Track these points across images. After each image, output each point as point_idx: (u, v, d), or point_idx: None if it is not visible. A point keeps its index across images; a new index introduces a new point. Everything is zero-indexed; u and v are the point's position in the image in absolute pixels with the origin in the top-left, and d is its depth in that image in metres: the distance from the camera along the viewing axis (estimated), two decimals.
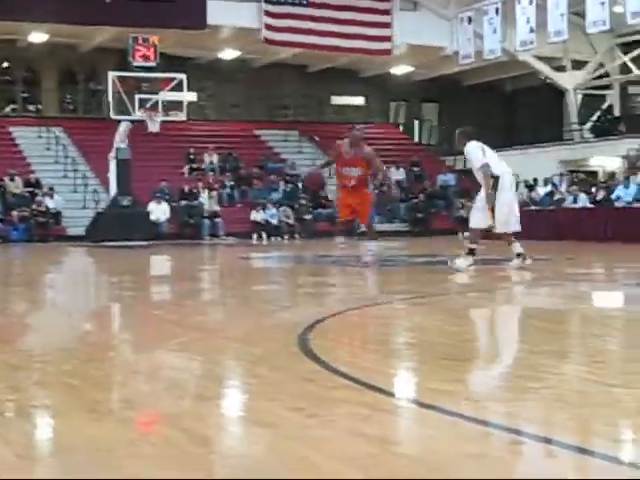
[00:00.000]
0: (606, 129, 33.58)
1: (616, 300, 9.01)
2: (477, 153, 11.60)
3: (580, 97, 35.95)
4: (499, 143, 36.70)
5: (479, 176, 11.57)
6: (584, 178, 30.18)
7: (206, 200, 30.39)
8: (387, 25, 35.28)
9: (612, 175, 30.36)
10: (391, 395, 3.94)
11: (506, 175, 11.72)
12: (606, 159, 32.41)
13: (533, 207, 28.35)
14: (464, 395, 3.81)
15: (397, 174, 34.55)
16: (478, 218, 11.69)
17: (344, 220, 13.63)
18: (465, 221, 27.92)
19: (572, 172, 31.43)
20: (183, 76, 26.96)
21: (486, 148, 11.80)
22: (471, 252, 11.54)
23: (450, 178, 34.63)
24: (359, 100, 41.07)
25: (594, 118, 35.36)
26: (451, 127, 39.64)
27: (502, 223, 11.64)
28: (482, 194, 11.61)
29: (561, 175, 30.49)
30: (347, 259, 13.71)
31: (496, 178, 11.45)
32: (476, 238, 11.69)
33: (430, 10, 35.86)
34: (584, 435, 3.15)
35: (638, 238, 19.35)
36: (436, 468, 2.72)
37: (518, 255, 11.71)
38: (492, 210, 11.46)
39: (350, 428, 3.20)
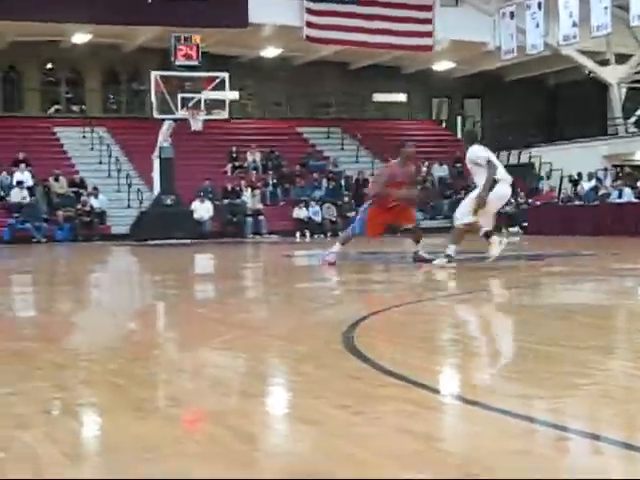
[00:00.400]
0: None
1: None
2: (485, 152, 11.61)
3: (624, 91, 35.64)
4: (542, 138, 36.72)
5: (480, 177, 11.52)
6: (630, 172, 29.92)
7: (249, 198, 30.48)
8: (429, 21, 35.19)
9: None
10: (437, 392, 3.92)
11: (503, 183, 11.69)
12: None
13: (577, 202, 28.20)
14: (509, 392, 3.79)
15: (439, 170, 34.46)
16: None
17: (373, 236, 13.54)
18: (510, 217, 27.76)
19: (616, 167, 31.18)
20: (225, 75, 27.09)
21: (491, 153, 11.83)
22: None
23: None
24: (401, 97, 41.00)
25: (638, 112, 35.04)
26: (494, 123, 39.71)
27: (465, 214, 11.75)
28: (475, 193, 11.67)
29: (605, 170, 30.26)
30: (391, 256, 13.67)
31: (495, 182, 11.44)
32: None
33: (472, 5, 35.74)
34: (631, 431, 3.12)
35: None
36: (481, 465, 2.71)
37: (447, 256, 11.75)
38: (476, 210, 11.55)
39: (396, 425, 3.20)
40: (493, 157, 11.86)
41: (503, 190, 11.59)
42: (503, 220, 30.45)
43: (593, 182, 29.14)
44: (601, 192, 27.42)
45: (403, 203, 12.65)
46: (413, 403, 3.53)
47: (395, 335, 5.76)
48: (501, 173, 11.66)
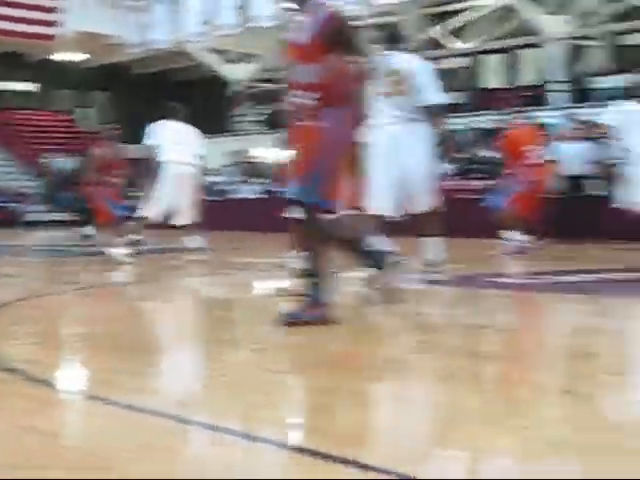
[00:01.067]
0: (273, 122, 34.40)
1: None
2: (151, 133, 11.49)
3: (247, 90, 36.62)
4: None
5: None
6: (249, 169, 30.76)
7: None
8: (52, 10, 34.34)
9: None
10: (61, 388, 3.87)
11: (171, 164, 11.54)
12: (267, 151, 33.21)
13: (207, 197, 28.66)
14: (132, 386, 3.81)
15: (67, 163, 33.84)
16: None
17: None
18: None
19: (239, 163, 31.97)
20: None
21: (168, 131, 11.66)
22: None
23: None
24: (28, 86, 39.84)
25: (264, 112, 36.13)
26: (121, 115, 39.43)
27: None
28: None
29: (229, 166, 30.98)
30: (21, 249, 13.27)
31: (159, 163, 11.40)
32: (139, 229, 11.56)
33: None
34: (251, 422, 3.22)
35: None
36: (106, 459, 2.71)
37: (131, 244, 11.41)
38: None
39: (20, 423, 3.12)
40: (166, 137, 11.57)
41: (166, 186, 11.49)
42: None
43: (219, 178, 29.75)
44: (224, 188, 28.05)
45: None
46: (36, 400, 3.47)
47: (18, 330, 5.61)
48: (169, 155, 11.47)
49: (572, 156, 15.82)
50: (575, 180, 16.07)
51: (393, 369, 4.14)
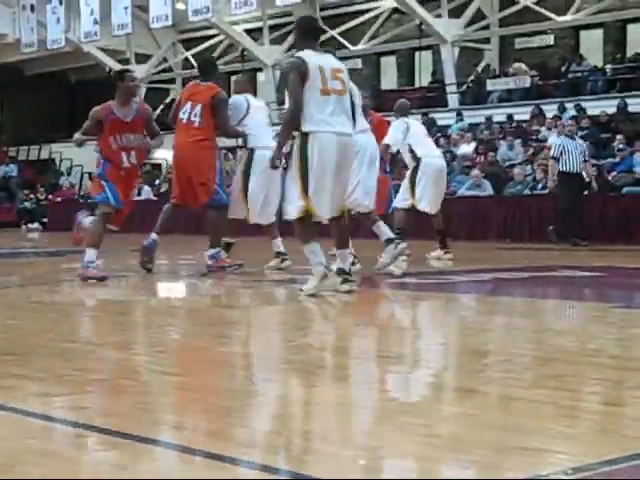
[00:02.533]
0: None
1: (178, 291, 9.24)
2: None
3: (144, 90, 36.37)
4: (64, 134, 36.46)
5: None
6: (149, 170, 30.56)
7: None
8: None
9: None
10: None
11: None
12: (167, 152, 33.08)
13: None
14: (28, 390, 3.75)
15: None
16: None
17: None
18: (30, 213, 27.12)
19: None
20: None
21: None
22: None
23: (12, 169, 33.84)
24: None
25: (157, 111, 35.90)
26: (14, 117, 38.81)
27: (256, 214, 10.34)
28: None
29: None
30: None
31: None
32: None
33: None
34: (147, 425, 3.20)
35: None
36: (2, 468, 2.65)
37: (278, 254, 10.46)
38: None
39: None
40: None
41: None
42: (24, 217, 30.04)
43: None
44: None
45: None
46: None
47: None
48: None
49: None
50: None
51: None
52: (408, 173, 11.71)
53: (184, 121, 9.86)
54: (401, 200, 11.60)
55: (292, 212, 7.38)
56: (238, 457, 2.71)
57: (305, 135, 7.28)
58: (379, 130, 10.34)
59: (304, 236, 7.36)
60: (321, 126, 7.26)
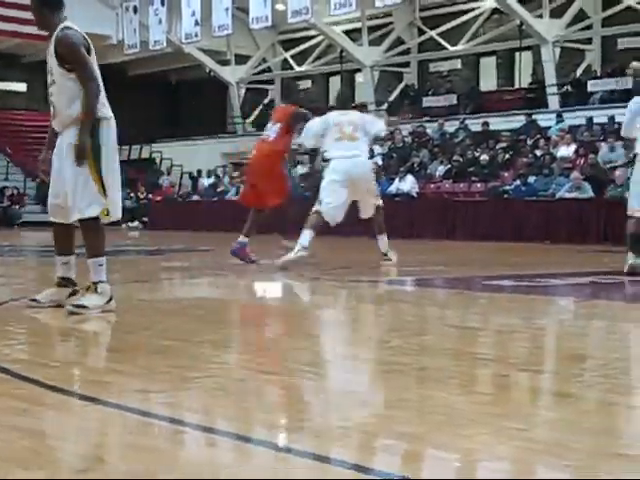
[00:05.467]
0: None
1: (275, 291, 9.30)
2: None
3: (244, 91, 36.68)
4: (164, 134, 37.00)
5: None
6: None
7: None
8: None
9: None
10: (51, 388, 3.86)
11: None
12: None
13: (196, 198, 28.70)
14: (128, 387, 3.81)
15: None
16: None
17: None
18: (130, 212, 27.52)
19: (235, 164, 32.02)
20: None
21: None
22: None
23: None
24: (20, 87, 39.79)
25: (256, 112, 36.19)
26: (116, 117, 39.39)
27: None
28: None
29: (224, 167, 31.00)
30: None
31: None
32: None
33: None
34: (244, 424, 3.23)
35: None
36: (101, 461, 2.70)
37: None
38: None
39: (7, 422, 3.12)
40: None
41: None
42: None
43: (212, 179, 29.76)
44: (219, 189, 28.05)
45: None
46: (24, 400, 3.46)
47: (8, 330, 5.60)
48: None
49: None
50: None
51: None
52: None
53: None
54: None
55: None
56: (334, 457, 2.72)
57: None
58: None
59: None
60: None
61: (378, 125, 11.41)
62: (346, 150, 10.71)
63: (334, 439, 2.97)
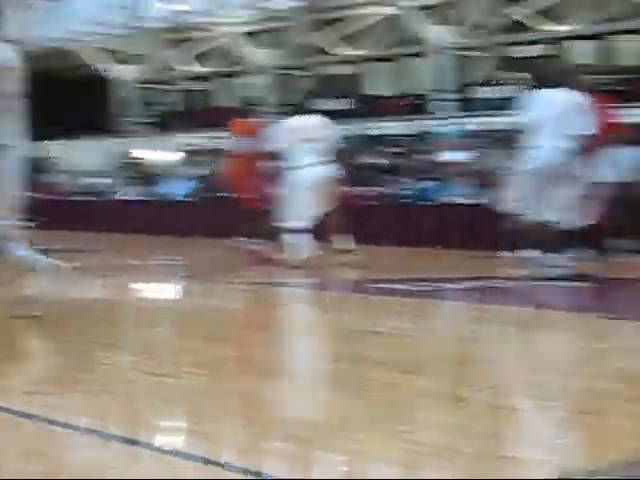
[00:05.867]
0: (163, 124, 34.23)
1: (166, 292, 9.22)
2: None
3: (136, 90, 36.34)
4: (51, 132, 36.36)
5: None
6: (133, 170, 30.47)
7: None
8: None
9: None
10: None
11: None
12: (152, 152, 33.10)
13: (83, 198, 28.28)
14: (14, 389, 3.73)
15: None
16: None
17: None
18: None
19: (124, 164, 31.64)
20: None
21: None
22: None
23: None
24: None
25: (152, 113, 35.91)
26: None
27: None
28: None
29: (114, 167, 30.72)
30: None
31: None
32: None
33: None
34: (134, 425, 3.19)
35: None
36: None
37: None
38: None
39: None
40: None
41: None
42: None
43: (105, 179, 29.38)
44: (109, 190, 27.67)
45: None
46: None
47: None
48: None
49: None
50: None
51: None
52: None
53: None
54: None
55: None
56: (223, 460, 2.70)
57: None
58: None
59: None
60: None
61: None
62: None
63: (223, 442, 2.95)
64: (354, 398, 3.74)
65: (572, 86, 9.78)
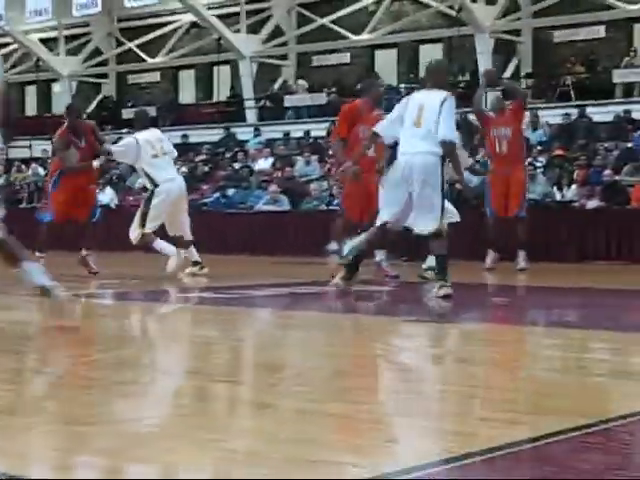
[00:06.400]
0: None
1: None
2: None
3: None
4: None
5: None
6: None
7: None
8: None
9: None
10: None
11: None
12: None
13: None
14: None
15: None
16: None
17: None
18: None
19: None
20: None
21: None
22: None
23: None
24: None
25: None
26: None
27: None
28: None
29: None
30: None
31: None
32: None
33: None
34: None
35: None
36: None
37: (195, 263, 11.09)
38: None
39: None
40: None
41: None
42: None
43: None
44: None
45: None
46: None
47: None
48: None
49: None
50: None
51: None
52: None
53: None
54: None
55: None
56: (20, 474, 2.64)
57: None
58: None
59: None
60: None
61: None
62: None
63: (22, 457, 2.91)
64: (166, 407, 3.73)
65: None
